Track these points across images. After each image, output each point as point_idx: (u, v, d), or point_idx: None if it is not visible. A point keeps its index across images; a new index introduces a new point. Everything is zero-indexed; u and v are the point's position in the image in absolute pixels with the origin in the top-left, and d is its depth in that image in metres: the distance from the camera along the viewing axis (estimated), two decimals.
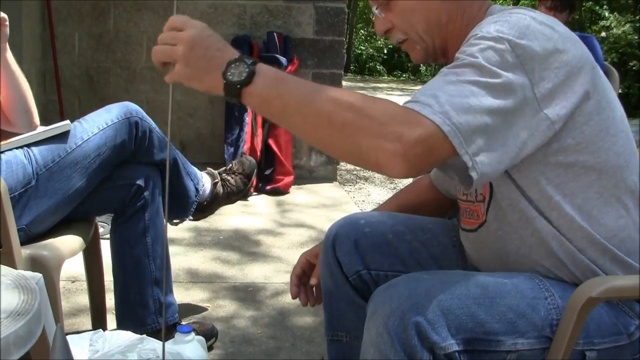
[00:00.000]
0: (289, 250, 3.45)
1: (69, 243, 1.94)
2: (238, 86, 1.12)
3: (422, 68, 28.75)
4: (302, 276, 1.66)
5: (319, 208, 4.34)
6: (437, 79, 1.18)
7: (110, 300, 2.28)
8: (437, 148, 1.09)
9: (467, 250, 1.50)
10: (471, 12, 1.36)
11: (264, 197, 4.59)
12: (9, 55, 1.98)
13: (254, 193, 4.61)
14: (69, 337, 1.18)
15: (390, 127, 1.07)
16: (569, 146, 1.23)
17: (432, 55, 1.41)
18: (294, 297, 1.66)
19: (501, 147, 1.14)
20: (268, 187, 4.71)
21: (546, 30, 1.20)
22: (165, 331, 2.11)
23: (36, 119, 2.07)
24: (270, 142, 4.98)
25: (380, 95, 15.01)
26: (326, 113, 1.11)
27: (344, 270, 1.52)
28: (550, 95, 1.18)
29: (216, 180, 2.38)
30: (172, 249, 2.36)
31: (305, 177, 5.23)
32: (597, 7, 16.34)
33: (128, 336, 1.51)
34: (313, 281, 1.62)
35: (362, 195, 5.23)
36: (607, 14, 15.68)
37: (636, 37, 14.20)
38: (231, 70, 1.13)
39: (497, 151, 1.13)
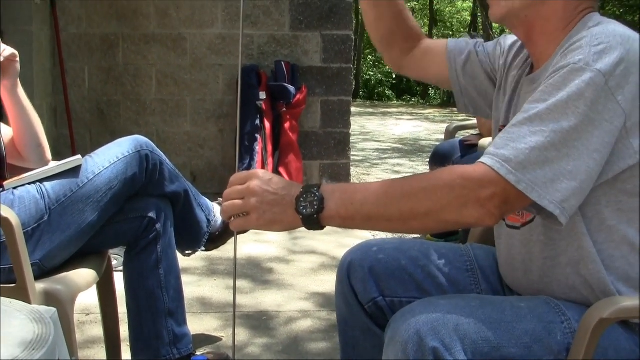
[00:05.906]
0: (301, 277, 3.44)
1: (83, 276, 1.95)
2: (315, 216, 1.18)
3: (431, 92, 28.71)
4: None
5: (330, 234, 4.33)
6: (522, 126, 1.17)
7: (124, 331, 2.28)
8: (513, 200, 1.15)
9: (498, 249, 1.48)
10: (570, 8, 1.30)
11: None
12: (21, 91, 2.00)
13: None
14: None
15: (466, 196, 1.13)
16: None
17: (511, 21, 1.34)
18: None
19: (586, 182, 1.16)
20: None
21: None
22: None
23: (48, 154, 2.08)
24: (281, 170, 4.99)
25: (390, 120, 15.05)
26: (407, 210, 1.16)
27: (359, 298, 1.51)
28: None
29: None
30: (185, 279, 2.35)
31: None
32: None
33: None
34: None
35: None
36: None
37: None
38: (302, 204, 1.18)
39: (582, 188, 1.16)
